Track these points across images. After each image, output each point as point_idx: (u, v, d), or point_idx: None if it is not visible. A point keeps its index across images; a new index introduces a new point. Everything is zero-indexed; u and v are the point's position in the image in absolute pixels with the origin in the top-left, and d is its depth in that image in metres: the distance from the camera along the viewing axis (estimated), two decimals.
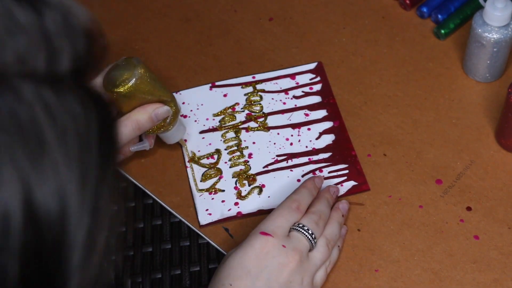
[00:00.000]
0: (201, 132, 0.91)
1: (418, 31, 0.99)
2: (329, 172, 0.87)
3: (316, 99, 0.93)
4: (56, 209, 0.40)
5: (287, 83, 0.95)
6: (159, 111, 0.82)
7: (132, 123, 0.81)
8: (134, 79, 0.80)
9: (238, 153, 0.89)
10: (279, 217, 0.76)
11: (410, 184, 0.86)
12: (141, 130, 0.82)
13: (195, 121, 0.92)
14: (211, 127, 0.92)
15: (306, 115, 0.92)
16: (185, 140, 0.90)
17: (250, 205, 0.85)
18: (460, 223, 0.83)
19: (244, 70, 0.96)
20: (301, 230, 0.75)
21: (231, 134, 0.91)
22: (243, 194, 0.86)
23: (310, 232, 0.75)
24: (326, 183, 0.86)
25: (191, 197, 0.86)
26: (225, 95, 0.94)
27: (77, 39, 0.43)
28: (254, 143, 0.90)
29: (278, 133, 0.91)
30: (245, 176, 0.87)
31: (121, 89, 0.80)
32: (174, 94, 0.94)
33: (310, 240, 0.75)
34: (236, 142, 0.90)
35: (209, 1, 1.04)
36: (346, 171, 0.87)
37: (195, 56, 0.98)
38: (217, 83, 0.95)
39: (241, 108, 0.93)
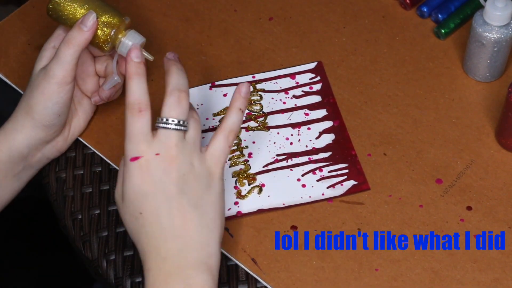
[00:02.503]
0: (201, 131, 0.91)
1: (418, 30, 0.99)
2: (329, 172, 0.87)
3: (316, 98, 0.93)
4: None
5: (287, 82, 0.95)
6: (84, 17, 0.81)
7: (69, 42, 0.80)
8: None
9: (238, 153, 0.89)
10: (130, 134, 0.73)
11: (410, 184, 0.86)
12: (81, 46, 0.81)
13: None
14: (211, 127, 0.92)
15: (306, 114, 0.92)
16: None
17: (250, 204, 0.85)
18: (460, 222, 0.83)
19: (244, 70, 0.96)
20: (166, 125, 0.73)
21: None
22: (243, 193, 0.86)
23: (176, 121, 0.73)
24: (327, 183, 0.86)
25: None
26: (225, 95, 0.94)
27: None
28: (254, 142, 0.90)
29: (278, 133, 0.90)
30: (245, 176, 0.87)
31: (49, 4, 0.83)
32: None
33: (179, 129, 0.73)
34: (236, 141, 0.90)
35: (209, 1, 1.04)
36: (346, 171, 0.87)
37: (195, 56, 0.98)
38: (216, 83, 0.95)
39: None
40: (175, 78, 0.75)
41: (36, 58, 0.86)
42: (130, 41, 0.82)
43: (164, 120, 0.73)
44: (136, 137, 0.73)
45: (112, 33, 0.82)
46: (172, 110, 0.73)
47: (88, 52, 0.87)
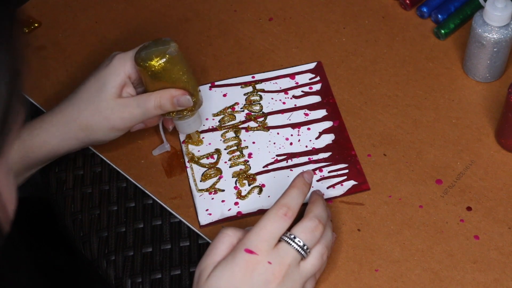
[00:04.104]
0: (201, 132, 0.91)
1: (418, 31, 0.99)
2: (329, 172, 0.87)
3: (316, 98, 0.93)
4: None
5: (287, 82, 0.95)
6: (181, 99, 0.83)
7: (156, 99, 0.83)
8: (168, 55, 0.81)
9: (238, 153, 0.89)
10: (263, 229, 0.72)
11: (410, 184, 0.86)
12: (161, 109, 0.84)
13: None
14: (210, 127, 0.92)
15: (306, 114, 0.92)
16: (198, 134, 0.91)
17: (250, 205, 0.85)
18: (460, 223, 0.83)
19: (243, 70, 0.96)
20: (291, 242, 0.72)
21: (230, 134, 0.91)
22: (243, 194, 0.86)
23: (301, 244, 0.72)
24: (327, 183, 0.86)
25: (191, 197, 0.86)
26: (224, 95, 0.94)
27: None
28: (254, 142, 0.90)
29: (278, 133, 0.90)
30: (245, 176, 0.87)
31: (154, 63, 0.81)
32: None
33: (300, 252, 0.72)
34: (235, 142, 0.90)
35: (209, 1, 1.04)
36: (346, 171, 0.87)
37: (195, 56, 0.98)
38: (216, 83, 0.95)
39: (241, 108, 0.93)
40: (320, 209, 0.75)
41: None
42: (191, 125, 0.87)
43: (292, 236, 0.72)
44: (264, 235, 0.72)
45: (184, 112, 0.85)
46: (303, 233, 0.73)
47: None
